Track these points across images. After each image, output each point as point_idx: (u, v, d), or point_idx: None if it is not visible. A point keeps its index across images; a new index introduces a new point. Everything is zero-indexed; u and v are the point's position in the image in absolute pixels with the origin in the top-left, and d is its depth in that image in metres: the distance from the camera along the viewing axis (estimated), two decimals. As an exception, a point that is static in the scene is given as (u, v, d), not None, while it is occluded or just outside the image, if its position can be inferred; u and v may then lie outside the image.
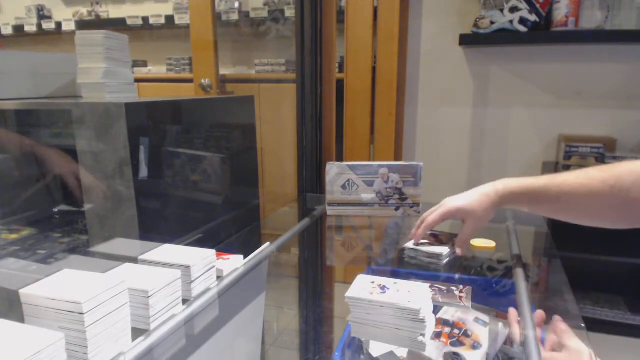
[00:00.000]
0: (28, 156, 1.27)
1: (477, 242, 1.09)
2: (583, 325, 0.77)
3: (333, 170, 1.26)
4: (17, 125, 1.24)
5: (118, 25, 2.97)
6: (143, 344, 0.60)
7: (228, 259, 0.84)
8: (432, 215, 0.97)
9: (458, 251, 0.98)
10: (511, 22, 1.86)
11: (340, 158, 2.16)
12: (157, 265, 0.71)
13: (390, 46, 2.09)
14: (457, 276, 0.99)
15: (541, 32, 1.88)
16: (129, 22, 2.96)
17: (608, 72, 1.94)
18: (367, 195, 1.26)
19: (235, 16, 2.71)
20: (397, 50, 2.08)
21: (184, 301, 0.70)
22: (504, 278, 0.99)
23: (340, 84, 2.03)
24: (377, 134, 2.19)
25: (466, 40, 1.98)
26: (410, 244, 1.02)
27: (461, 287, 0.83)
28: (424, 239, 1.02)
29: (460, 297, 0.80)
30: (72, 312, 0.52)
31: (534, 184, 0.85)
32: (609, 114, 1.97)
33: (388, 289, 0.69)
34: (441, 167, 2.22)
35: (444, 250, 0.98)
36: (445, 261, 0.97)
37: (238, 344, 0.86)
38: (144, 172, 1.05)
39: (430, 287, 0.81)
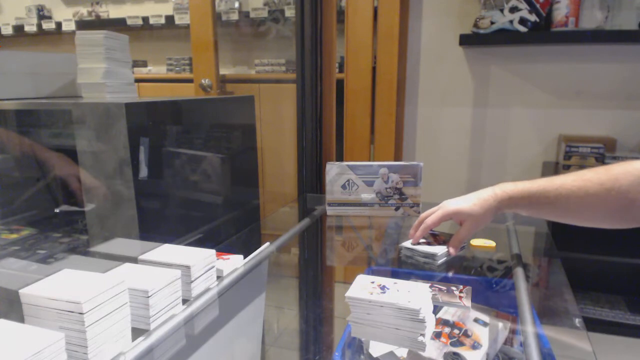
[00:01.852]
0: (28, 156, 1.27)
1: (477, 242, 1.09)
2: (583, 325, 0.77)
3: (333, 170, 1.26)
4: (17, 125, 1.24)
5: (118, 25, 2.97)
6: (143, 344, 0.60)
7: (228, 259, 0.84)
8: (430, 217, 0.98)
9: (451, 251, 0.98)
10: (511, 22, 1.86)
11: (340, 158, 2.16)
12: (157, 265, 0.71)
13: (390, 46, 2.09)
14: (456, 276, 0.99)
15: (541, 32, 1.88)
16: (129, 22, 2.96)
17: (608, 72, 1.94)
18: (367, 195, 1.26)
19: (235, 16, 2.71)
20: (397, 50, 2.08)
21: (184, 301, 0.70)
22: (504, 278, 0.99)
23: (340, 84, 2.03)
24: (377, 134, 2.19)
25: (466, 40, 1.98)
26: (407, 243, 1.02)
27: (461, 287, 0.83)
28: (423, 238, 1.03)
29: (460, 297, 0.80)
30: (72, 312, 0.52)
31: (531, 188, 0.85)
32: (609, 114, 1.97)
33: (388, 289, 0.69)
34: (441, 167, 2.22)
35: (440, 250, 0.98)
36: (440, 261, 0.98)
37: (238, 344, 0.86)
38: (144, 172, 1.05)
39: (430, 287, 0.81)
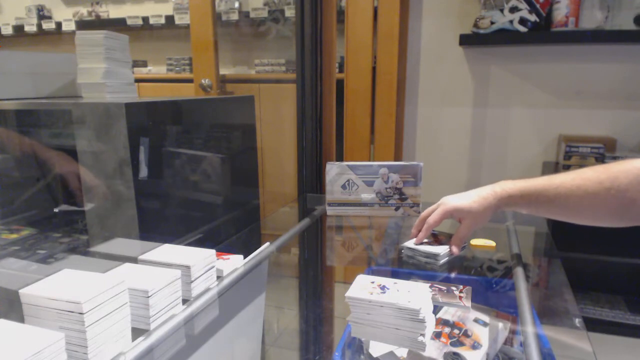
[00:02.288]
0: (28, 156, 1.27)
1: (477, 242, 1.09)
2: (583, 325, 0.77)
3: (333, 170, 1.26)
4: (17, 125, 1.24)
5: (118, 25, 2.97)
6: (143, 344, 0.60)
7: (228, 259, 0.84)
8: (432, 216, 0.98)
9: (454, 250, 0.98)
10: (511, 22, 1.86)
11: (340, 158, 2.16)
12: (157, 265, 0.71)
13: (390, 46, 2.09)
14: (456, 276, 0.99)
15: (541, 32, 1.88)
16: (129, 22, 2.96)
17: (608, 72, 1.94)
18: (367, 195, 1.26)
19: (235, 16, 2.71)
20: (397, 50, 2.08)
21: (184, 301, 0.70)
22: (504, 278, 0.99)
23: (340, 84, 2.03)
24: (377, 134, 2.19)
25: (466, 40, 1.98)
26: (408, 243, 1.02)
27: (461, 287, 0.83)
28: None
29: (460, 297, 0.80)
30: (72, 312, 0.52)
31: (531, 186, 0.86)
32: (609, 114, 1.97)
33: (388, 289, 0.69)
34: (441, 167, 2.22)
35: (442, 250, 0.98)
36: (442, 261, 0.98)
37: (238, 344, 0.86)
38: (144, 172, 1.05)
39: (430, 287, 0.81)
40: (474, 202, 0.92)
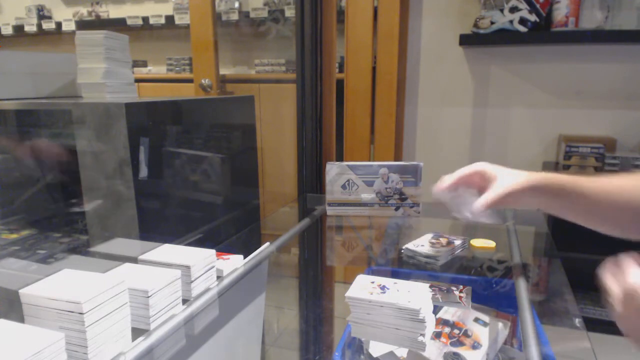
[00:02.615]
0: (27, 155, 1.27)
1: (477, 242, 1.09)
2: (583, 325, 0.77)
3: (333, 170, 1.26)
4: (17, 125, 1.24)
5: (118, 25, 2.97)
6: (143, 344, 0.60)
7: (228, 259, 0.84)
8: (463, 168, 0.93)
9: (483, 204, 0.81)
10: (511, 22, 1.86)
11: (340, 158, 2.16)
12: (157, 265, 0.71)
13: (390, 46, 2.08)
14: (456, 276, 0.99)
15: (541, 32, 1.88)
16: (129, 22, 2.96)
17: (608, 72, 1.94)
18: (367, 195, 1.26)
19: (235, 16, 2.71)
20: (397, 50, 2.08)
21: (184, 301, 0.70)
22: (504, 278, 0.99)
23: (340, 84, 2.03)
24: (377, 134, 2.19)
25: (466, 40, 1.98)
26: (409, 245, 1.02)
27: (461, 287, 0.83)
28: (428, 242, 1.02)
29: (460, 297, 0.80)
30: (72, 312, 0.52)
31: (567, 179, 0.78)
32: (609, 114, 1.97)
33: (388, 289, 0.69)
34: (441, 167, 2.21)
35: (442, 250, 0.98)
36: (442, 261, 0.98)
37: (238, 344, 0.86)
38: (144, 172, 1.05)
39: (430, 287, 0.81)
40: (508, 174, 0.84)
